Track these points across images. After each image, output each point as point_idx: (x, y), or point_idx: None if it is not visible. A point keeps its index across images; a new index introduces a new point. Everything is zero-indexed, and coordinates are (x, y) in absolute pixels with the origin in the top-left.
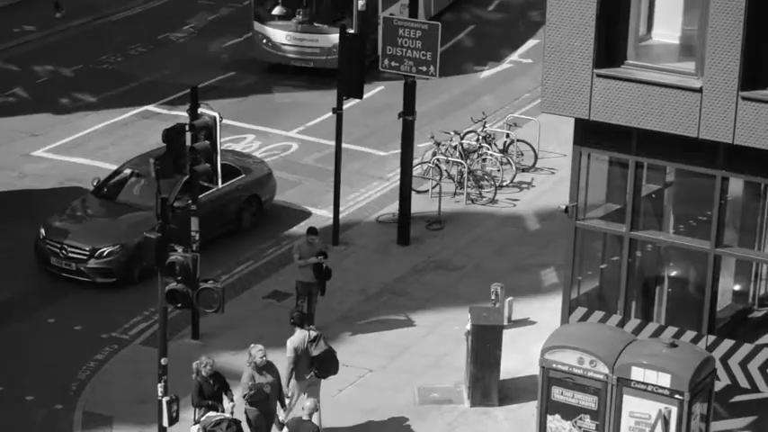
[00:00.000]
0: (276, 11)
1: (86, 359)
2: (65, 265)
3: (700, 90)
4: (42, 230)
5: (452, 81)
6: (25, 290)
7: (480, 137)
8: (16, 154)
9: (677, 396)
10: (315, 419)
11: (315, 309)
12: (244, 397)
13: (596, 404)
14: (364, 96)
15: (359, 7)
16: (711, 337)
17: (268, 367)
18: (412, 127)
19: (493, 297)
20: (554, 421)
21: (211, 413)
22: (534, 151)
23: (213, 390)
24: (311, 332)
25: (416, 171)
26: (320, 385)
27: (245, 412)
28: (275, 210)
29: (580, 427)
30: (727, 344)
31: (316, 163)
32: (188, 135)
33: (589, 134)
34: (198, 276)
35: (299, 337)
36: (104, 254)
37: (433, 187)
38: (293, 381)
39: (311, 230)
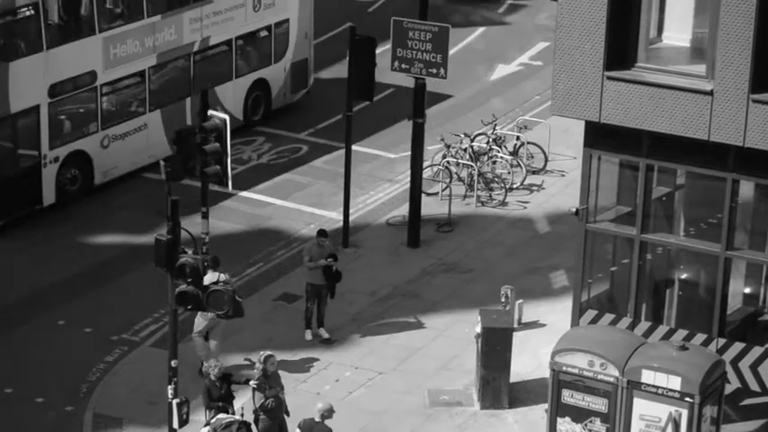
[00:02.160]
0: None
1: (96, 361)
2: None
3: (710, 93)
4: None
5: (462, 83)
6: (35, 291)
7: (490, 139)
8: None
9: (687, 399)
10: (327, 421)
11: (325, 311)
12: (260, 408)
13: (606, 407)
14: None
15: None
16: (722, 340)
17: (275, 375)
18: (422, 129)
19: (503, 299)
20: (564, 424)
21: (221, 415)
22: (544, 154)
23: (221, 392)
24: (221, 275)
25: (426, 173)
26: (222, 326)
27: (257, 421)
28: (284, 212)
29: (590, 430)
30: (738, 347)
31: (325, 165)
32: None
33: (599, 137)
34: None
35: (209, 278)
36: None
37: (443, 190)
38: (199, 317)
39: (321, 233)
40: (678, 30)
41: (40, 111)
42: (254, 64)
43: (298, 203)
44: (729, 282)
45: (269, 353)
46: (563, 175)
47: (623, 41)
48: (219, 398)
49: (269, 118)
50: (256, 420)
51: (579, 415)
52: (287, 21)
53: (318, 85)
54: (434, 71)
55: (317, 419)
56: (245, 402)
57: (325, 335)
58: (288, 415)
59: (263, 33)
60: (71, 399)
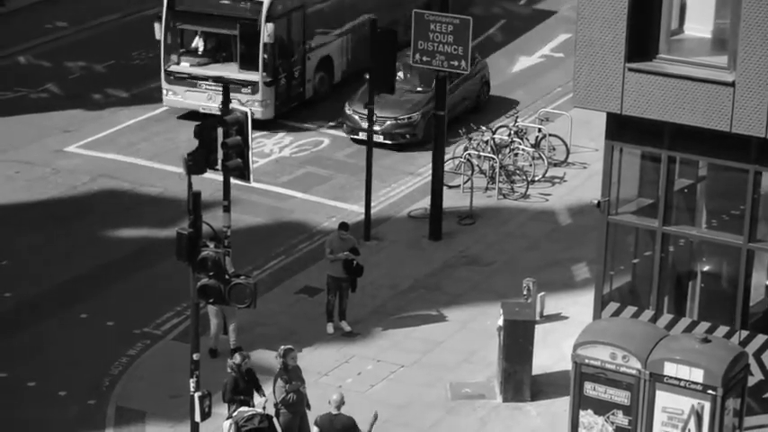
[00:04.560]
0: None
1: (119, 354)
2: None
3: (732, 84)
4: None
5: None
6: (58, 286)
7: (512, 131)
8: (49, 150)
9: (710, 391)
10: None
11: (346, 304)
12: (281, 402)
13: (629, 399)
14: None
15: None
16: (744, 333)
17: (295, 368)
18: (444, 122)
19: (525, 292)
20: (586, 416)
21: (243, 408)
22: (566, 146)
23: (246, 386)
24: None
25: (448, 166)
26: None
27: (278, 414)
28: (306, 205)
29: (612, 423)
30: (761, 339)
31: (347, 158)
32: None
33: (621, 128)
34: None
35: None
36: None
37: (464, 182)
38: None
39: (343, 225)
40: (700, 21)
41: None
42: None
43: (319, 197)
44: (752, 274)
45: (289, 347)
46: (585, 168)
47: (645, 33)
48: (243, 391)
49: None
50: (277, 414)
51: (601, 407)
52: None
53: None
54: (456, 64)
55: (335, 412)
56: (269, 394)
57: (347, 328)
58: (309, 408)
59: None
60: (94, 392)
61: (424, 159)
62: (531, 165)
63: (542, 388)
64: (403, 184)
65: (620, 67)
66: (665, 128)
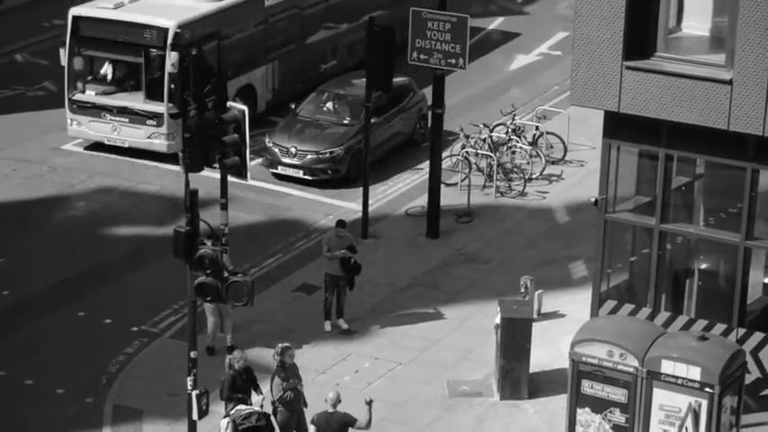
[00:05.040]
0: None
1: (116, 352)
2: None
3: (730, 82)
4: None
5: (481, 73)
6: (55, 284)
7: (509, 129)
8: (46, 147)
9: (707, 389)
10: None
11: (344, 302)
12: (278, 400)
13: (626, 397)
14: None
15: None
16: (742, 330)
17: (292, 367)
18: (441, 120)
19: (522, 290)
20: (584, 414)
21: (241, 406)
22: (564, 144)
23: (244, 384)
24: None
25: (446, 164)
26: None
27: (276, 413)
28: (303, 203)
29: (610, 421)
30: (758, 337)
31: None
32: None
33: (619, 126)
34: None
35: None
36: None
37: (462, 180)
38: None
39: (340, 223)
40: (697, 19)
41: None
42: None
43: (317, 194)
44: (749, 271)
45: (287, 344)
46: (582, 166)
47: (642, 31)
48: (241, 389)
49: None
50: (275, 412)
51: (599, 405)
52: None
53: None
54: (453, 62)
55: (331, 410)
56: (266, 392)
57: (345, 326)
58: (306, 406)
59: None
60: (91, 390)
61: (421, 157)
62: (528, 163)
63: (540, 386)
64: (401, 182)
65: (618, 65)
66: (663, 126)
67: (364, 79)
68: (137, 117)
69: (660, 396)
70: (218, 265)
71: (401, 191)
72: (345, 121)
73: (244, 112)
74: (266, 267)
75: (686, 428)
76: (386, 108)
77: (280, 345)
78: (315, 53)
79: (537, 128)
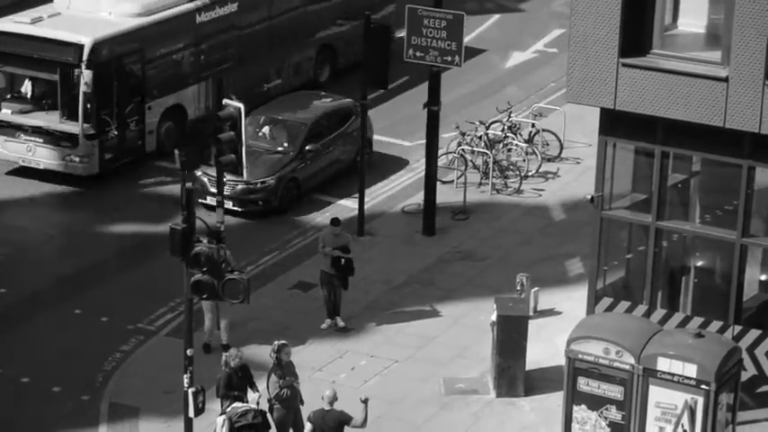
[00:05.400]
0: None
1: (112, 350)
2: None
3: (726, 79)
4: None
5: (477, 71)
6: (52, 281)
7: (505, 127)
8: None
9: (703, 386)
10: (336, 406)
11: (340, 300)
12: (275, 397)
13: (622, 394)
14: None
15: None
16: (738, 327)
17: (289, 364)
18: (437, 117)
19: (518, 287)
20: (580, 412)
21: (237, 404)
22: (560, 141)
23: (240, 381)
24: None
25: (442, 161)
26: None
27: (272, 410)
28: (300, 200)
29: (606, 418)
30: (754, 334)
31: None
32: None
33: (615, 124)
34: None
35: None
36: None
37: (458, 177)
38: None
39: (334, 221)
40: (693, 16)
41: None
42: None
43: (313, 192)
44: (745, 269)
45: (283, 342)
46: (578, 163)
47: (638, 28)
48: (237, 387)
49: None
50: (271, 410)
51: (595, 403)
52: None
53: (334, 73)
54: (449, 59)
55: (327, 408)
56: (262, 389)
57: (341, 323)
58: (302, 404)
59: None
60: (87, 388)
61: (417, 154)
62: (524, 160)
63: (536, 383)
64: (396, 180)
65: (614, 62)
66: (659, 123)
67: (312, 101)
68: (51, 138)
69: (656, 393)
70: (215, 262)
71: (397, 188)
72: (280, 148)
73: (240, 109)
74: (262, 265)
75: (682, 425)
76: (325, 133)
77: (276, 342)
78: (256, 72)
79: (533, 125)
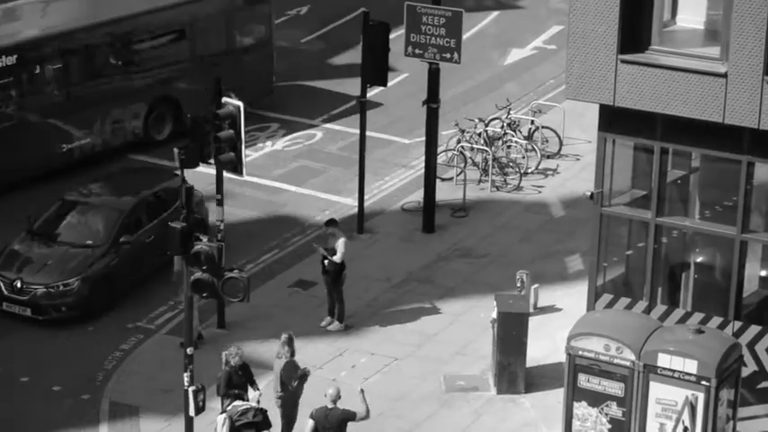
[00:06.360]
0: None
1: (112, 349)
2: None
3: (725, 75)
4: None
5: (476, 68)
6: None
7: (505, 124)
8: None
9: (704, 382)
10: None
11: (334, 302)
12: (300, 375)
13: (623, 391)
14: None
15: None
16: (738, 323)
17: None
18: (436, 114)
19: (518, 284)
20: (580, 408)
21: (237, 402)
22: (559, 138)
23: (240, 380)
24: None
25: (441, 158)
26: None
27: (284, 405)
28: (299, 198)
29: (606, 414)
30: (754, 329)
31: (340, 151)
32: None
33: (614, 120)
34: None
35: None
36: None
37: (457, 175)
38: None
39: (328, 222)
40: (692, 12)
41: None
42: None
43: (312, 190)
44: (745, 265)
45: (291, 333)
46: (578, 159)
47: (637, 24)
48: (238, 385)
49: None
50: (284, 404)
51: (595, 399)
52: None
53: (333, 71)
54: (448, 56)
55: (330, 406)
56: (263, 387)
57: (330, 327)
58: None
59: None
60: (87, 387)
61: (417, 152)
62: (523, 157)
63: (536, 380)
64: (396, 177)
65: (613, 58)
66: (658, 119)
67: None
68: None
69: (657, 389)
70: (215, 260)
71: (396, 186)
72: (89, 242)
73: (239, 107)
74: (262, 263)
75: (683, 422)
76: (141, 222)
77: (284, 335)
78: (48, 130)
79: (532, 122)
